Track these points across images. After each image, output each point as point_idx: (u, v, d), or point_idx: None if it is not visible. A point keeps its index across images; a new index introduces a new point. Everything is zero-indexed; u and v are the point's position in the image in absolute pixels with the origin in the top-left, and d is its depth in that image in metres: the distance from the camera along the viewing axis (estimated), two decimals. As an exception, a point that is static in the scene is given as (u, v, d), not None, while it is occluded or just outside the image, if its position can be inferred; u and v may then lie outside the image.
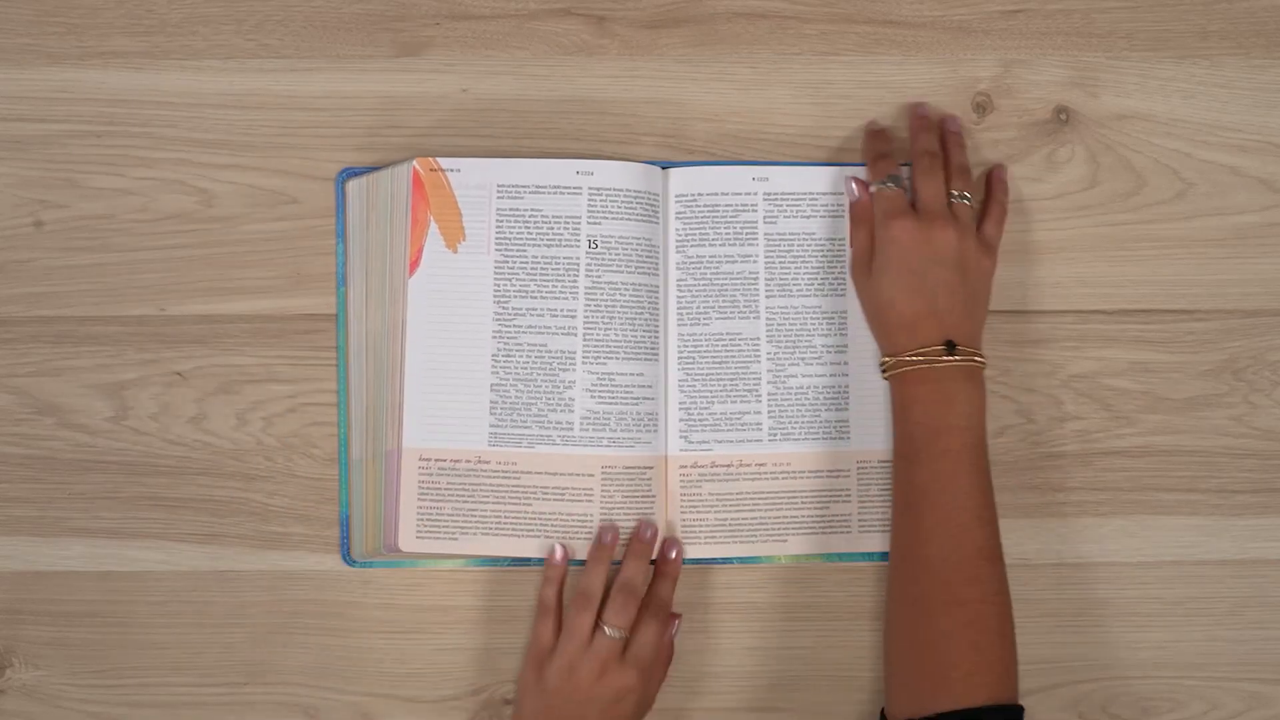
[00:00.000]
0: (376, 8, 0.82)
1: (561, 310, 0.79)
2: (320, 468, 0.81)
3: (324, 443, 0.81)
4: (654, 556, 0.79)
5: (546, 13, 0.82)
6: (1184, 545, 0.82)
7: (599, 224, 0.79)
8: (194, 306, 0.81)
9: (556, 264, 0.79)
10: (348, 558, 0.81)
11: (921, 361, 0.75)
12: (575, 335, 0.79)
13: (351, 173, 0.81)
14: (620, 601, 0.76)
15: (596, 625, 0.75)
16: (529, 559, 0.80)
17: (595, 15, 0.82)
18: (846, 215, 0.81)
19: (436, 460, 0.78)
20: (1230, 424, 0.82)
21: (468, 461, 0.78)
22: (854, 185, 0.80)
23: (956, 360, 0.75)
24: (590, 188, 0.79)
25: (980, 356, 0.76)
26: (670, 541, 0.79)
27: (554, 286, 0.79)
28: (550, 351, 0.79)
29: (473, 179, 0.79)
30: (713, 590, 0.81)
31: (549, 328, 0.79)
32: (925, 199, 0.77)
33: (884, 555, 0.80)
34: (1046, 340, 0.82)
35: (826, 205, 0.81)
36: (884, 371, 0.77)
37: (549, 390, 0.79)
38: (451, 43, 0.82)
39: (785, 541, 0.80)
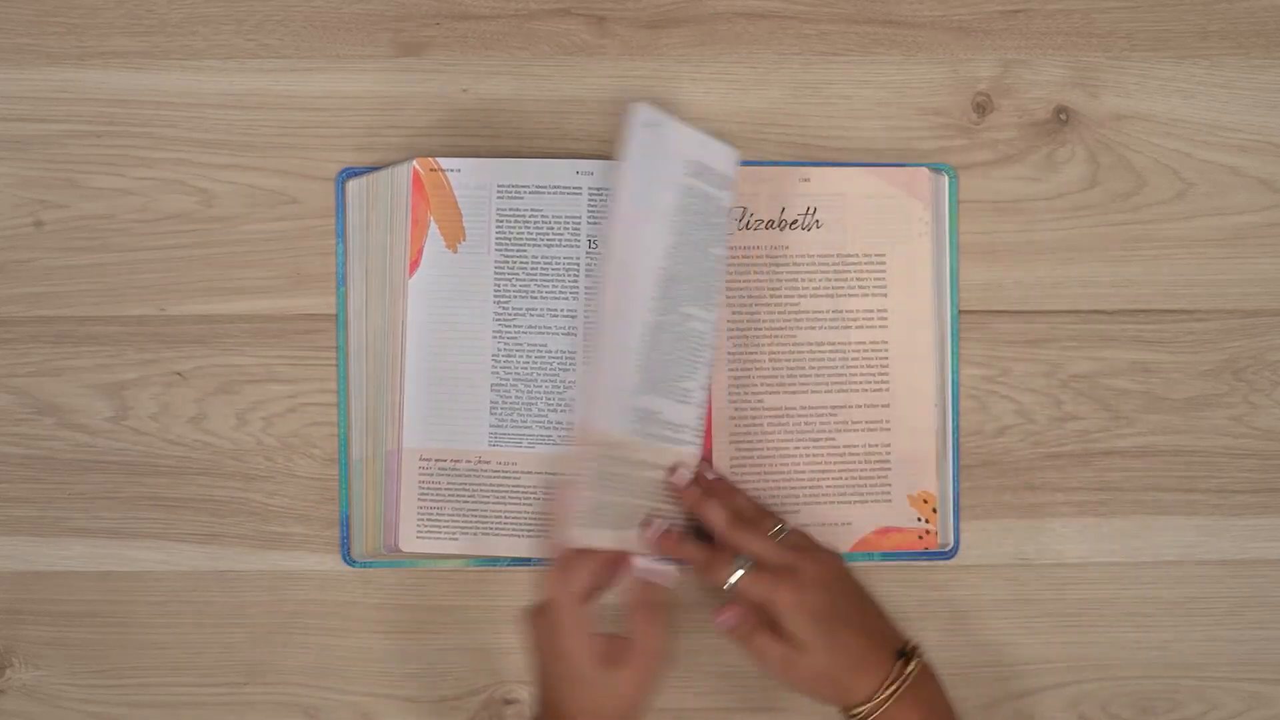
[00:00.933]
0: (376, 8, 0.82)
1: (562, 310, 0.79)
2: (320, 468, 0.81)
3: (324, 443, 0.81)
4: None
5: (546, 13, 0.82)
6: (1184, 545, 0.82)
7: (599, 224, 0.79)
8: (194, 306, 0.81)
9: (557, 264, 0.79)
10: (348, 558, 0.81)
11: (896, 690, 0.71)
12: (576, 335, 0.79)
13: (351, 173, 0.81)
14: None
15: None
16: (529, 559, 0.80)
17: (595, 15, 0.82)
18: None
19: (437, 460, 0.78)
20: (1230, 424, 0.82)
21: (468, 462, 0.78)
22: (725, 617, 0.73)
23: (915, 664, 0.72)
24: (590, 188, 0.79)
25: (913, 641, 0.74)
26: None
27: (554, 286, 0.79)
28: (550, 352, 0.79)
29: (473, 179, 0.79)
30: (712, 590, 0.81)
31: (549, 328, 0.79)
32: (764, 558, 0.73)
33: (885, 556, 0.80)
34: (1046, 340, 0.82)
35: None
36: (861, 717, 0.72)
37: (549, 390, 0.79)
38: (451, 43, 0.82)
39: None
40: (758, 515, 0.78)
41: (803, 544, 0.76)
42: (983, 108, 0.83)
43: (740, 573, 0.73)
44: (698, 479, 0.77)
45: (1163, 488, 0.82)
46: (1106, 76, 0.83)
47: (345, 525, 0.81)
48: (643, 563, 0.75)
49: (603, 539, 0.74)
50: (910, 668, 0.72)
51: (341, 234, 0.81)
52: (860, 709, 0.72)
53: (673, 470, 0.77)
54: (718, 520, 0.75)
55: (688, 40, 0.82)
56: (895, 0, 0.83)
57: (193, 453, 0.81)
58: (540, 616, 0.73)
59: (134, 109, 0.81)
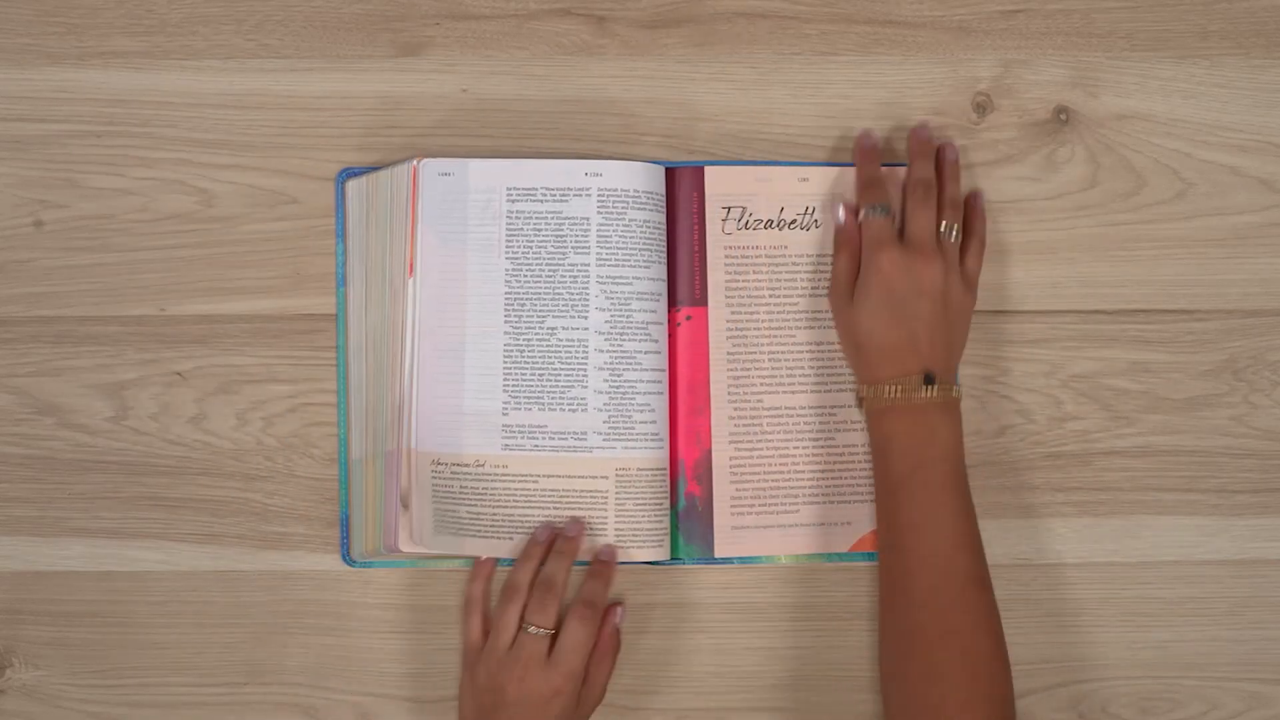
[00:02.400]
0: (376, 8, 0.82)
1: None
2: (320, 468, 0.81)
3: (324, 443, 0.81)
4: (587, 557, 0.78)
5: (546, 13, 0.82)
6: (1184, 545, 0.82)
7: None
8: (194, 306, 0.81)
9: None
10: (347, 558, 0.80)
11: (900, 394, 0.74)
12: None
13: (351, 173, 0.81)
14: (538, 598, 0.75)
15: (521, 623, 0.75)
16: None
17: (595, 15, 0.82)
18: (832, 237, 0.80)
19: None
20: (1230, 424, 0.82)
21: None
22: (841, 210, 0.79)
23: (935, 393, 0.74)
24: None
25: (957, 389, 0.75)
26: (607, 547, 0.78)
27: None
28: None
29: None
30: (712, 590, 0.81)
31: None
32: (914, 231, 0.77)
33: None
34: (1046, 340, 0.82)
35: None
36: (860, 403, 0.77)
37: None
38: (451, 43, 0.82)
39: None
40: (950, 204, 0.79)
41: (949, 252, 0.77)
42: (983, 108, 0.83)
43: (876, 213, 0.78)
44: (945, 148, 0.81)
45: (1163, 488, 0.82)
46: (1106, 76, 0.83)
47: (345, 525, 0.80)
48: (619, 609, 0.79)
49: (475, 547, 0.78)
50: (923, 390, 0.74)
51: (341, 234, 0.81)
52: (862, 389, 0.77)
53: (866, 135, 0.81)
54: (921, 174, 0.79)
55: (688, 40, 0.82)
56: (895, 0, 0.83)
57: (193, 453, 0.81)
58: (537, 664, 0.75)
59: (134, 109, 0.81)
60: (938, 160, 0.80)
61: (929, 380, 0.75)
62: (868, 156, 0.80)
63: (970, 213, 0.80)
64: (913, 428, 0.74)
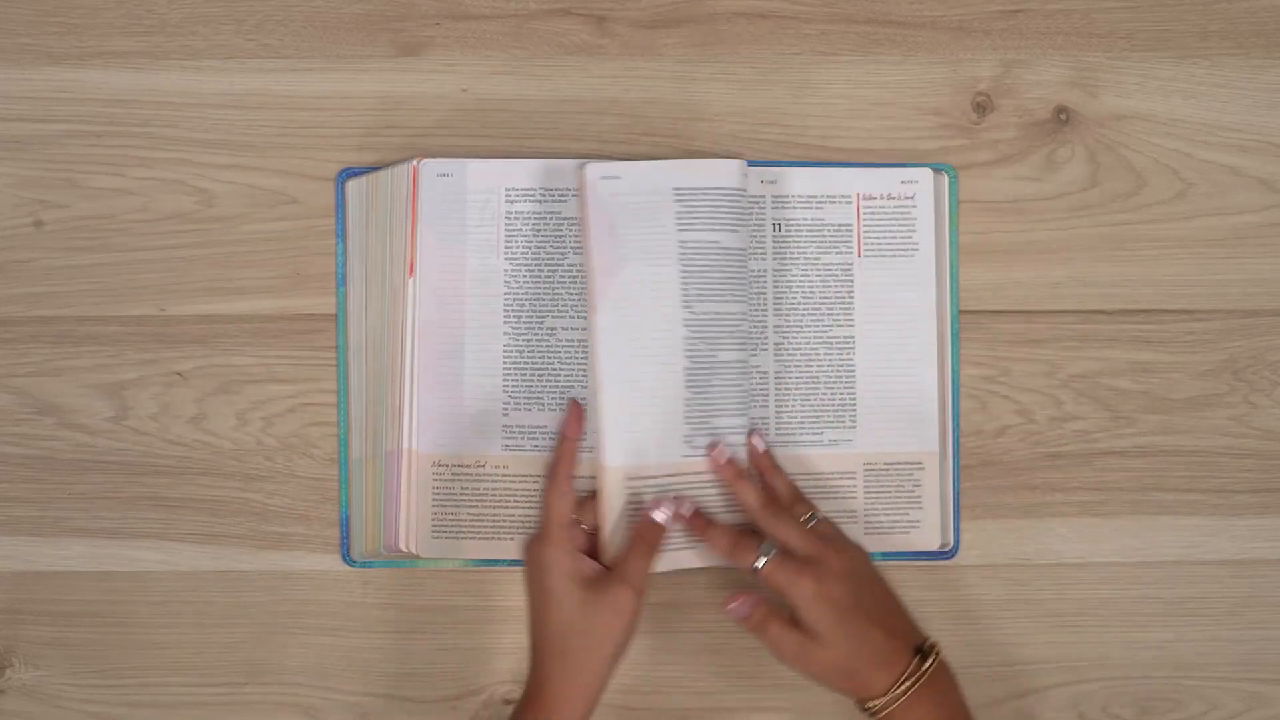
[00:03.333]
0: (376, 8, 0.82)
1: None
2: (320, 468, 0.81)
3: (324, 443, 0.81)
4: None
5: (546, 13, 0.82)
6: (1184, 545, 0.82)
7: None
8: (194, 306, 0.81)
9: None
10: (347, 558, 0.80)
11: (913, 685, 0.72)
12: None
13: (351, 173, 0.81)
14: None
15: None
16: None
17: (595, 15, 0.82)
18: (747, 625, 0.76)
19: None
20: (1230, 424, 0.82)
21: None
22: (737, 603, 0.75)
23: (935, 659, 0.73)
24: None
25: (931, 638, 0.75)
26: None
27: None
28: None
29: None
30: (712, 590, 0.81)
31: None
32: (796, 546, 0.74)
33: (885, 555, 0.80)
34: (1046, 340, 0.82)
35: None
36: (874, 714, 0.73)
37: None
38: (451, 43, 0.82)
39: None
40: (791, 499, 0.78)
41: (830, 534, 0.76)
42: (983, 108, 0.83)
43: (765, 559, 0.73)
44: (750, 448, 0.78)
45: (1163, 488, 0.82)
46: (1106, 76, 0.83)
47: (345, 525, 0.80)
48: (659, 503, 0.76)
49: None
50: (928, 664, 0.73)
51: (341, 234, 0.81)
52: (875, 703, 0.72)
53: (712, 447, 0.77)
54: (750, 502, 0.76)
55: (688, 40, 0.82)
56: (895, 0, 0.83)
57: (193, 453, 0.81)
58: (533, 540, 0.74)
59: (134, 109, 0.81)
60: (753, 462, 0.78)
61: (921, 654, 0.73)
62: (706, 526, 0.76)
63: (777, 475, 0.79)
64: (933, 703, 0.73)
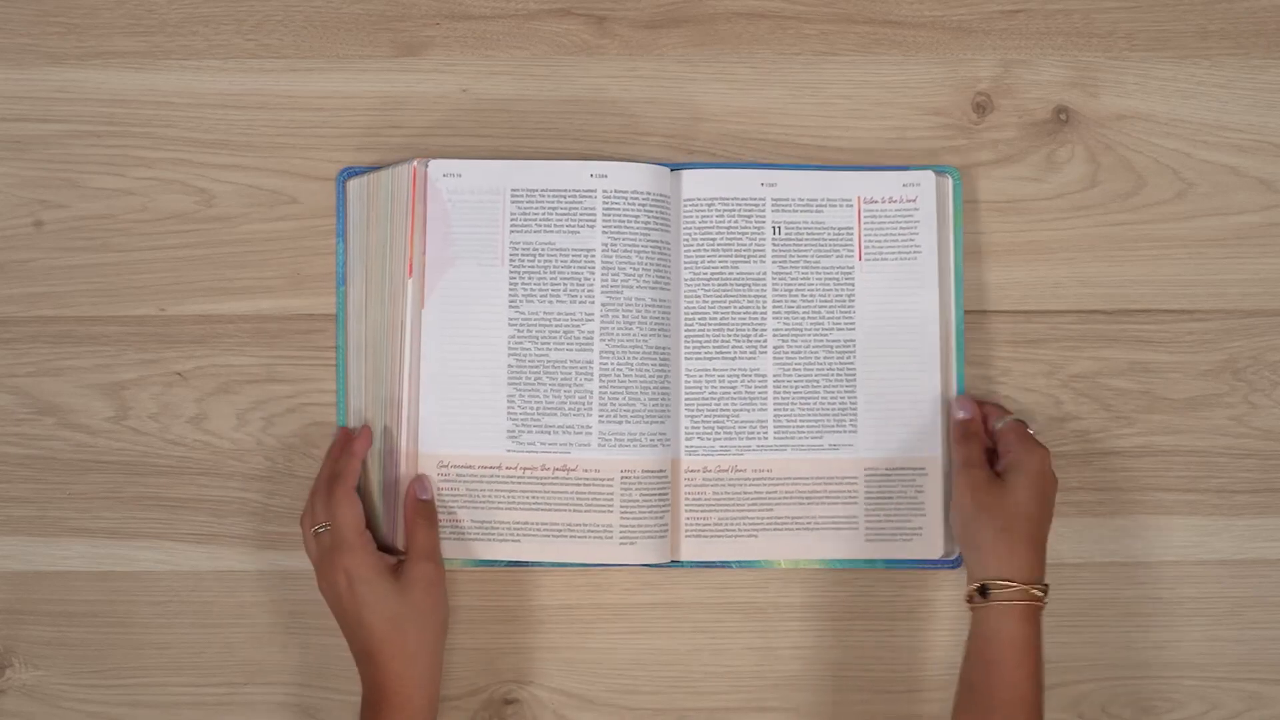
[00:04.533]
0: (376, 8, 0.82)
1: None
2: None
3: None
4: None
5: (546, 13, 0.82)
6: (1184, 545, 0.82)
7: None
8: (194, 306, 0.81)
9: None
10: None
11: (1043, 596, 0.74)
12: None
13: (352, 172, 0.81)
14: (310, 504, 0.77)
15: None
16: (540, 563, 0.80)
17: (595, 15, 0.82)
18: (951, 432, 0.80)
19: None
20: (1230, 424, 0.82)
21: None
22: (965, 404, 0.80)
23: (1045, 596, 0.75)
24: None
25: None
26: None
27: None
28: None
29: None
30: (712, 590, 0.81)
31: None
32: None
33: (887, 563, 0.80)
34: (1046, 340, 0.82)
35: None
36: (991, 596, 0.73)
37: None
38: (451, 43, 0.82)
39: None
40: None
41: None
42: (983, 108, 0.83)
43: (1012, 418, 0.79)
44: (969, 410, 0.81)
45: (1163, 488, 0.82)
46: (1106, 76, 0.83)
47: None
48: (418, 477, 0.78)
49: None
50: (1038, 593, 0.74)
51: (342, 233, 0.81)
52: (1007, 584, 0.73)
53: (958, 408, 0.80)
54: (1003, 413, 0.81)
55: (688, 40, 0.82)
56: (895, 0, 0.83)
57: (193, 453, 0.81)
58: (330, 553, 0.74)
59: (134, 109, 0.81)
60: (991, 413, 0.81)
61: (1042, 586, 0.74)
62: (968, 425, 0.80)
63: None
64: (1033, 639, 0.73)
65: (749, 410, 0.81)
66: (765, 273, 0.81)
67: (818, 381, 0.81)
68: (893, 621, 0.82)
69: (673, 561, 0.80)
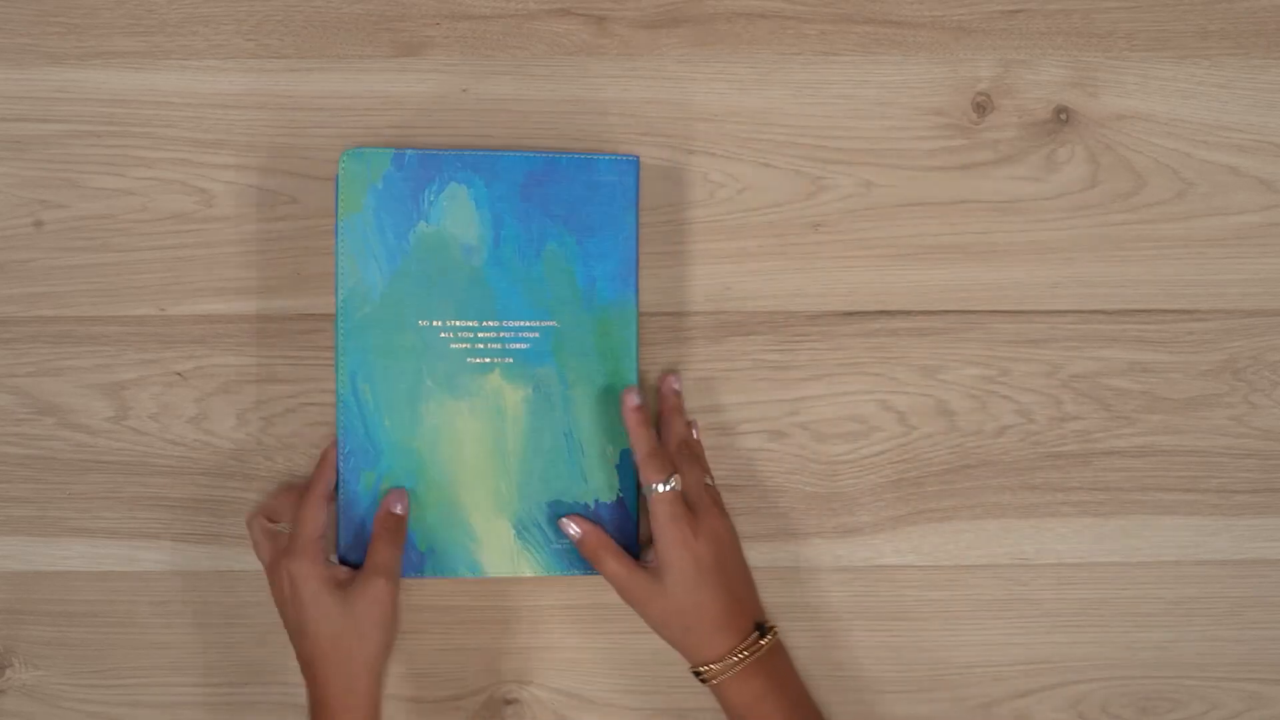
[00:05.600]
0: (376, 8, 0.82)
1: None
2: (320, 468, 0.81)
3: (324, 443, 0.81)
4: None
5: (546, 13, 0.82)
6: (1184, 545, 0.82)
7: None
8: (194, 306, 0.81)
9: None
10: (345, 558, 0.80)
11: (749, 657, 0.73)
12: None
13: (353, 155, 0.79)
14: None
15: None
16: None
17: (595, 15, 0.82)
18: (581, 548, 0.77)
19: None
20: (1230, 424, 0.82)
21: None
22: (572, 525, 0.77)
23: (771, 638, 0.75)
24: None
25: (772, 620, 0.76)
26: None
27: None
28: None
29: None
30: (713, 590, 0.81)
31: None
32: (690, 491, 0.75)
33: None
34: (1046, 340, 0.82)
35: None
36: (707, 680, 0.74)
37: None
38: (451, 43, 0.82)
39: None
40: (699, 452, 0.80)
41: (717, 497, 0.78)
42: (983, 108, 0.83)
43: (670, 486, 0.74)
44: (664, 386, 0.79)
45: (1163, 488, 0.82)
46: (1106, 76, 0.83)
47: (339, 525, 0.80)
48: (390, 492, 0.77)
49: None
50: (765, 640, 0.74)
51: (339, 221, 0.79)
52: (710, 668, 0.74)
53: (664, 378, 0.79)
54: (678, 432, 0.78)
55: (688, 40, 0.82)
56: (895, 0, 0.83)
57: (193, 453, 0.81)
58: (281, 556, 0.75)
59: (134, 109, 0.81)
60: (663, 402, 0.79)
61: (762, 631, 0.75)
62: (641, 422, 0.76)
63: (681, 420, 0.80)
64: (767, 684, 0.74)
65: None
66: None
67: None
68: (893, 621, 0.82)
69: None
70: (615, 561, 0.75)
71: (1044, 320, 0.82)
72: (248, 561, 0.81)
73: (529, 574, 0.78)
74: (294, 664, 0.81)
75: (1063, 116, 0.83)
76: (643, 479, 0.75)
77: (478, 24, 0.82)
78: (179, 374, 0.81)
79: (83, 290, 0.81)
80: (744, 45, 0.82)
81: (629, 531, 0.78)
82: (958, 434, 0.82)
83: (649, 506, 0.75)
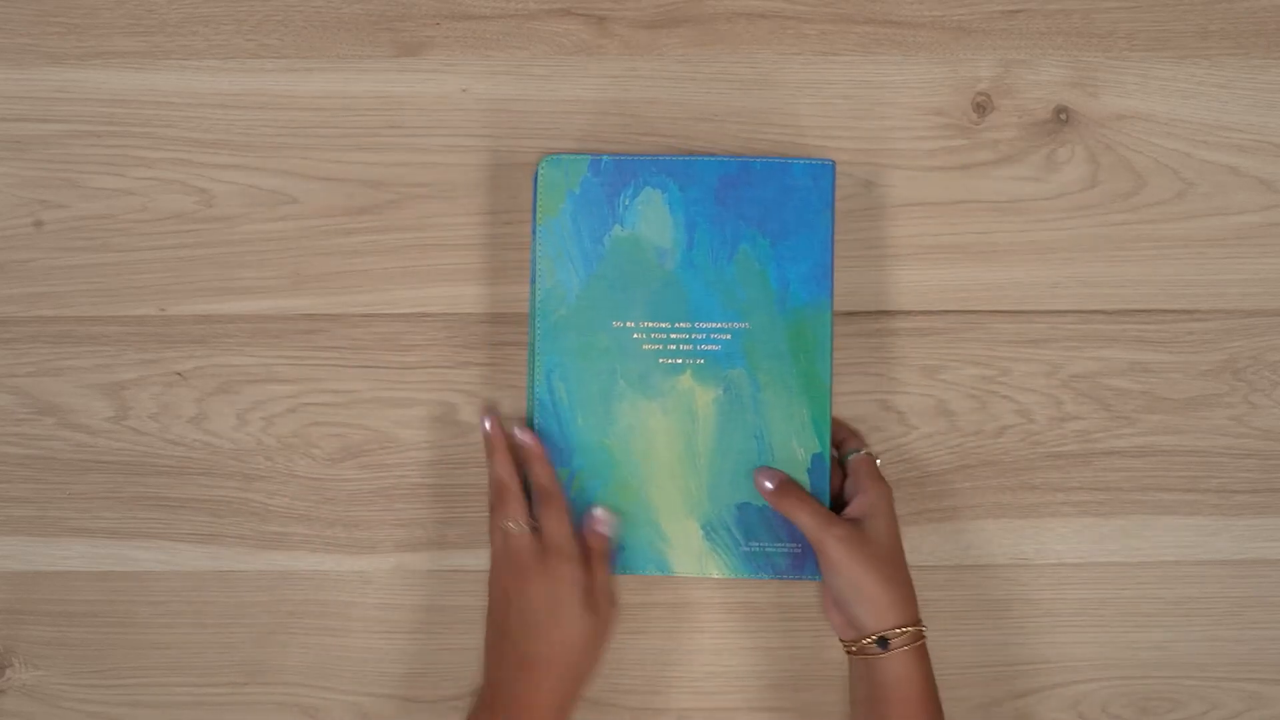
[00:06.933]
0: (376, 8, 0.82)
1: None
2: (320, 468, 0.81)
3: (324, 442, 0.81)
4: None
5: (546, 13, 0.82)
6: (1184, 545, 0.82)
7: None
8: (194, 306, 0.81)
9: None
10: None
11: (917, 635, 0.73)
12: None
13: (552, 161, 0.78)
14: (500, 501, 0.76)
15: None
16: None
17: (595, 15, 0.82)
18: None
19: None
20: (1230, 424, 0.82)
21: None
22: (766, 478, 0.77)
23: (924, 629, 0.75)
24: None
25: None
26: (527, 432, 0.78)
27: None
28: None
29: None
30: (712, 590, 0.81)
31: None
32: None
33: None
34: (1046, 340, 0.82)
35: None
36: (891, 646, 0.73)
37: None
38: (451, 43, 0.82)
39: None
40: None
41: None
42: (983, 108, 0.83)
43: (865, 451, 0.78)
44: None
45: (1163, 488, 0.82)
46: (1106, 76, 0.83)
47: None
48: (598, 513, 0.77)
49: None
50: (924, 629, 0.74)
51: (536, 222, 0.79)
52: (903, 631, 0.72)
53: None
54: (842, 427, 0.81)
55: (688, 40, 0.82)
56: (895, 0, 0.83)
57: (193, 453, 0.81)
58: (553, 556, 0.74)
59: (134, 109, 0.81)
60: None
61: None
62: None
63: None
64: (925, 666, 0.73)
65: None
66: None
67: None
68: (893, 621, 0.82)
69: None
70: (812, 508, 0.75)
71: (1044, 320, 0.82)
72: (247, 561, 0.81)
73: (716, 575, 0.78)
74: (293, 664, 0.81)
75: (1063, 116, 0.83)
76: (846, 447, 0.78)
77: (478, 24, 0.82)
78: (179, 374, 0.81)
79: (83, 290, 0.81)
80: (744, 45, 0.82)
81: None
82: (958, 434, 0.82)
83: (850, 466, 0.77)
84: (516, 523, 0.75)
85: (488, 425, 0.79)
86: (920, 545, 0.82)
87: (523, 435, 0.78)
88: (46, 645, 0.81)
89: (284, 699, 0.81)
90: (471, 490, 0.81)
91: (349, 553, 0.81)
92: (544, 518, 0.76)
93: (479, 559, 0.81)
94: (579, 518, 0.77)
